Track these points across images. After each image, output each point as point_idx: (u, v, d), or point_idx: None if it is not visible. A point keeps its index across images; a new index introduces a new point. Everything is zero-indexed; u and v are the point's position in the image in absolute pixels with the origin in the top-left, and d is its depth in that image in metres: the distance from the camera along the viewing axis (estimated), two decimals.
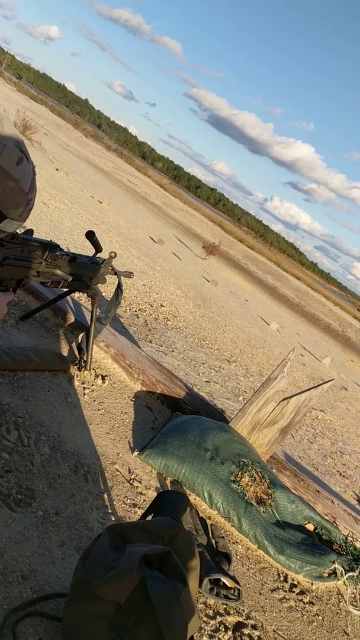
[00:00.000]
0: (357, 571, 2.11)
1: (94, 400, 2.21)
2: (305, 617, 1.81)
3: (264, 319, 12.72)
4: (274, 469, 2.51)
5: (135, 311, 5.62)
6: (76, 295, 3.20)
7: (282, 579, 1.93)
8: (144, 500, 1.82)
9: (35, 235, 1.52)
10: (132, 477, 1.91)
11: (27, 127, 12.80)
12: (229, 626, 1.54)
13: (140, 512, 1.75)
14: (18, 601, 1.19)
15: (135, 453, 2.04)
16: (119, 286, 2.33)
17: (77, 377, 2.27)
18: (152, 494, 1.88)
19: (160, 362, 3.29)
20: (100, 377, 2.39)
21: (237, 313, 10.62)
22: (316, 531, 2.26)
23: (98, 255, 2.08)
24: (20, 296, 2.58)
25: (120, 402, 2.35)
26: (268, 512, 2.11)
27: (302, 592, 1.92)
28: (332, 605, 1.97)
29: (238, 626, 1.56)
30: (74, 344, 2.49)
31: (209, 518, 2.00)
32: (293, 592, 1.90)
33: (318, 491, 2.63)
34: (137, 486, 1.88)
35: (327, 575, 2.03)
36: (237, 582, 1.67)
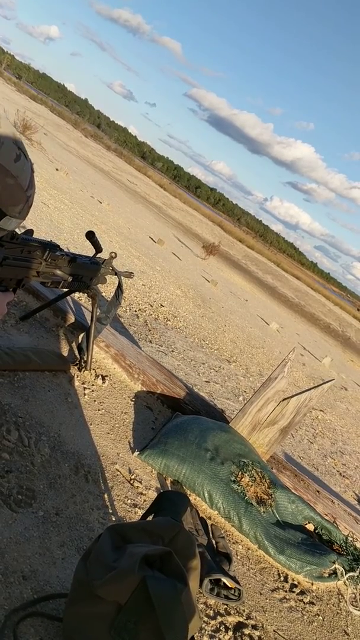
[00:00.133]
0: (358, 571, 2.11)
1: (94, 401, 2.21)
2: (305, 617, 1.81)
3: (264, 319, 12.72)
4: (274, 469, 2.51)
5: (135, 311, 5.62)
6: (76, 295, 3.20)
7: (282, 579, 1.93)
8: (145, 501, 1.82)
9: (35, 235, 1.52)
10: (133, 477, 1.91)
11: (27, 127, 12.79)
12: (230, 626, 1.54)
13: (140, 512, 1.75)
14: (19, 601, 1.19)
15: (136, 453, 2.04)
16: (119, 286, 2.33)
17: (78, 377, 2.27)
18: (153, 494, 1.88)
19: (160, 362, 3.29)
20: (100, 377, 2.39)
21: (237, 313, 10.62)
22: (316, 531, 2.26)
23: (98, 255, 2.08)
24: (20, 296, 2.58)
25: (120, 402, 2.35)
26: (268, 512, 2.11)
27: (302, 592, 1.92)
28: (333, 605, 1.97)
29: (238, 626, 1.56)
30: (74, 344, 2.49)
31: (210, 518, 2.00)
32: (293, 592, 1.90)
33: (318, 491, 2.63)
34: (137, 486, 1.88)
35: (327, 575, 2.03)
36: (237, 582, 1.67)
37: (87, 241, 1.97)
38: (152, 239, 12.04)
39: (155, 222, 17.37)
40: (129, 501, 1.77)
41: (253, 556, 1.95)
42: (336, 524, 2.41)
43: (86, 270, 1.99)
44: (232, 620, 1.57)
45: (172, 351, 5.23)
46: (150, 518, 1.38)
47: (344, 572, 2.06)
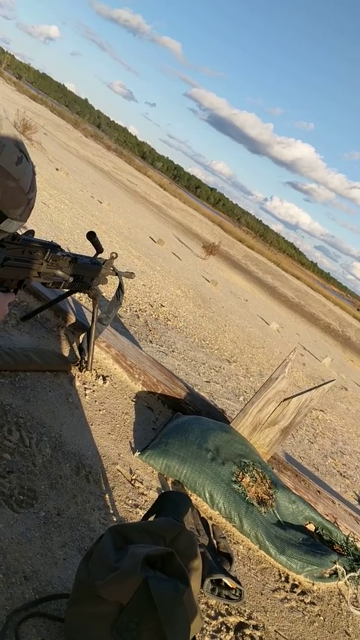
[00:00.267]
0: (358, 571, 2.11)
1: (95, 401, 2.22)
2: (306, 617, 1.81)
3: (264, 319, 12.72)
4: (275, 469, 2.51)
5: (136, 311, 5.62)
6: (77, 295, 3.20)
7: (283, 579, 1.93)
8: (146, 501, 1.83)
9: (35, 235, 1.52)
10: (134, 477, 1.91)
11: (27, 127, 12.79)
12: (231, 626, 1.54)
13: (141, 512, 1.75)
14: (20, 602, 1.19)
15: (137, 453, 2.04)
16: (120, 287, 2.33)
17: (78, 377, 2.27)
18: (154, 495, 1.88)
19: (161, 362, 3.29)
20: (101, 377, 2.39)
21: (237, 313, 10.62)
22: (317, 531, 2.26)
23: (99, 255, 2.08)
24: (21, 297, 2.58)
25: (121, 402, 2.35)
26: (269, 512, 2.11)
27: (303, 593, 1.92)
28: (333, 605, 1.97)
29: (240, 626, 1.56)
30: (75, 344, 2.49)
31: (211, 518, 2.00)
32: (294, 592, 1.90)
33: (319, 491, 2.63)
34: (138, 487, 1.88)
35: (328, 575, 2.03)
36: (238, 583, 1.67)
37: (88, 241, 1.97)
38: (152, 239, 12.04)
39: (156, 222, 17.37)
40: (130, 501, 1.77)
41: (254, 556, 1.95)
42: (337, 524, 2.41)
43: (87, 271, 1.99)
44: (233, 620, 1.57)
45: (173, 351, 5.23)
46: (151, 518, 1.38)
47: (344, 573, 2.06)
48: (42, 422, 1.83)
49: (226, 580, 1.64)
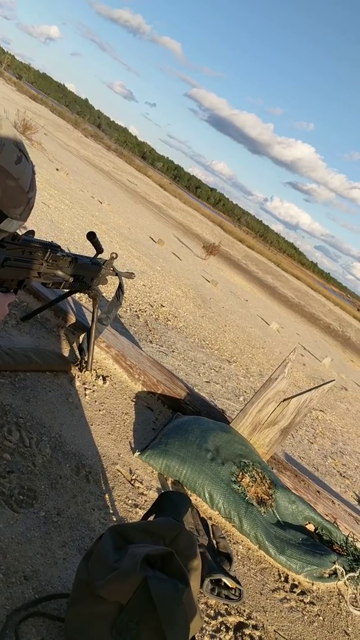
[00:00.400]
0: (358, 572, 2.11)
1: (95, 401, 2.22)
2: (306, 617, 1.81)
3: (264, 319, 12.72)
4: (275, 469, 2.51)
5: (136, 311, 5.63)
6: (77, 296, 3.20)
7: (282, 579, 1.93)
8: (145, 501, 1.83)
9: (35, 235, 1.52)
10: (134, 477, 1.91)
11: (27, 127, 12.79)
12: (230, 626, 1.54)
13: (141, 512, 1.75)
14: (20, 602, 1.20)
15: (137, 453, 2.05)
16: (120, 287, 2.34)
17: (78, 377, 2.27)
18: (154, 495, 1.88)
19: (161, 362, 3.29)
20: (101, 377, 2.40)
21: (237, 313, 10.62)
22: (317, 531, 2.26)
23: (99, 256, 2.08)
24: (21, 297, 2.58)
25: (121, 402, 2.35)
26: (269, 512, 2.11)
27: (302, 593, 1.92)
28: (333, 605, 1.98)
29: (239, 626, 1.56)
30: (75, 344, 2.50)
31: (210, 518, 2.00)
32: (294, 592, 1.90)
33: (318, 491, 2.63)
34: (138, 487, 1.88)
35: (327, 575, 2.03)
36: (238, 583, 1.68)
37: (88, 241, 1.98)
38: (152, 239, 12.04)
39: (156, 222, 17.37)
40: (130, 501, 1.78)
41: (253, 556, 1.95)
42: (336, 524, 2.41)
43: (87, 271, 1.99)
44: (232, 620, 1.57)
45: (173, 351, 5.23)
46: (151, 518, 1.38)
47: (344, 573, 2.06)
48: (42, 422, 1.83)
49: (226, 580, 1.64)
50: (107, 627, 1.08)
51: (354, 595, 2.08)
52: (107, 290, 4.80)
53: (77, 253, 1.94)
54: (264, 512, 2.08)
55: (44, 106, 38.07)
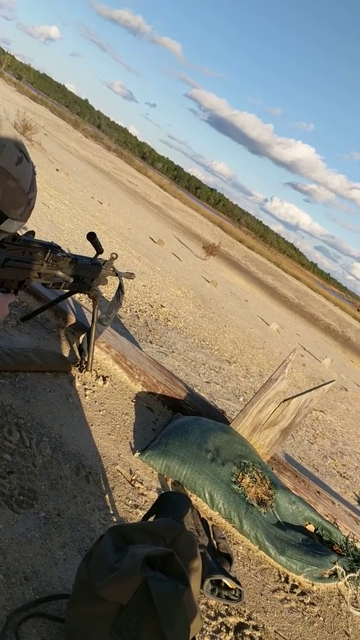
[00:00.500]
0: (358, 572, 2.11)
1: (95, 401, 2.22)
2: (306, 617, 1.81)
3: (264, 320, 12.72)
4: (275, 469, 2.51)
5: (136, 312, 5.63)
6: (77, 296, 3.21)
7: (283, 579, 1.93)
8: (146, 501, 1.83)
9: (35, 236, 1.52)
10: (134, 478, 1.91)
11: (27, 128, 12.80)
12: (231, 627, 1.54)
13: (141, 513, 1.75)
14: (21, 602, 1.20)
15: (137, 454, 2.05)
16: (120, 287, 2.34)
17: (79, 378, 2.27)
18: (154, 495, 1.88)
19: (161, 363, 3.29)
20: (101, 378, 2.40)
21: (237, 313, 10.62)
22: (317, 532, 2.26)
23: (99, 256, 2.08)
24: (21, 297, 2.58)
25: (121, 403, 2.35)
26: (269, 513, 2.11)
27: (303, 593, 1.92)
28: (333, 606, 1.97)
29: (239, 627, 1.56)
30: (75, 344, 2.50)
31: (210, 519, 2.00)
32: (294, 593, 1.90)
33: (319, 492, 2.63)
34: (138, 487, 1.88)
35: (327, 576, 2.03)
36: (238, 583, 1.68)
37: (88, 242, 1.98)
38: (152, 239, 12.05)
39: (156, 222, 17.38)
40: (130, 502, 1.78)
41: (254, 557, 1.95)
42: (337, 524, 2.41)
43: (87, 271, 2.00)
44: (233, 621, 1.57)
45: (173, 352, 5.23)
46: (151, 519, 1.38)
47: (344, 573, 2.06)
48: (42, 423, 1.83)
49: (226, 580, 1.64)
50: (108, 628, 1.08)
51: (354, 596, 2.08)
52: (107, 290, 4.80)
53: (77, 253, 1.94)
54: (264, 513, 2.08)
55: (44, 106, 38.08)
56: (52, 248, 1.60)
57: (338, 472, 5.32)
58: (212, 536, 1.89)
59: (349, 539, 2.26)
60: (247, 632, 1.56)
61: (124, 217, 12.28)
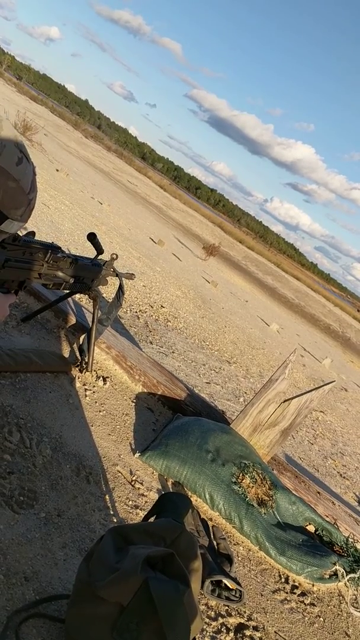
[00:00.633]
0: (358, 573, 2.11)
1: (95, 402, 2.22)
2: (306, 618, 1.81)
3: (264, 320, 12.72)
4: (275, 470, 2.51)
5: (136, 312, 5.63)
6: (77, 297, 3.21)
7: (283, 580, 1.93)
8: (146, 502, 1.83)
9: (36, 236, 1.52)
10: (134, 478, 1.91)
11: (28, 128, 12.80)
12: (231, 627, 1.54)
13: (142, 513, 1.75)
14: (21, 603, 1.19)
15: (137, 454, 2.05)
16: (120, 288, 2.34)
17: (79, 378, 2.27)
18: (154, 496, 1.88)
19: (161, 363, 3.30)
20: (101, 378, 2.40)
21: (237, 314, 10.62)
22: (317, 532, 2.26)
23: (99, 256, 2.08)
24: (21, 298, 2.58)
25: (121, 403, 2.35)
26: (269, 513, 2.11)
27: (303, 594, 1.92)
28: (333, 606, 1.97)
29: (240, 627, 1.56)
30: (75, 345, 2.50)
31: (211, 519, 2.00)
32: (294, 593, 1.90)
33: (319, 492, 2.63)
34: (138, 488, 1.88)
35: (328, 576, 2.03)
36: (238, 584, 1.68)
37: (88, 242, 1.98)
38: (152, 240, 12.05)
39: (156, 223, 17.38)
40: (130, 502, 1.77)
41: (254, 557, 1.95)
42: (337, 525, 2.41)
43: (87, 272, 2.00)
44: (233, 621, 1.57)
45: (173, 352, 5.23)
46: (152, 519, 1.38)
47: (344, 574, 2.06)
48: (42, 423, 1.83)
49: (226, 581, 1.64)
50: (108, 628, 1.08)
51: (354, 597, 2.08)
52: (108, 291, 4.80)
53: (78, 254, 1.94)
54: (265, 513, 2.07)
55: (44, 107, 38.09)
56: (53, 248, 1.60)
57: (338, 472, 5.32)
58: (212, 537, 1.89)
59: (349, 539, 2.26)
60: (248, 632, 1.56)
61: (124, 218, 12.28)
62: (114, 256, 2.17)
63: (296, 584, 1.95)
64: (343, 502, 3.52)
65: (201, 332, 6.91)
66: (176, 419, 2.41)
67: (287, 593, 1.87)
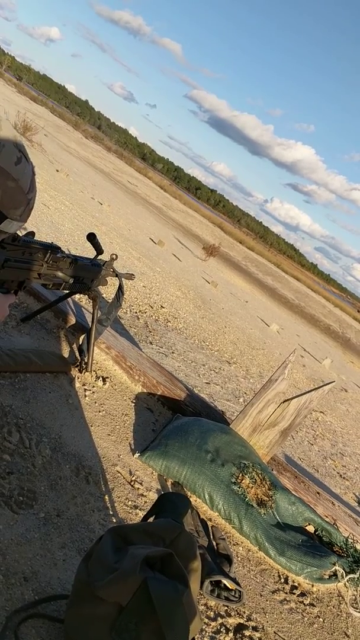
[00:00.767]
0: (358, 573, 2.11)
1: (95, 402, 2.22)
2: (305, 618, 1.81)
3: (264, 320, 12.72)
4: (275, 470, 2.51)
5: (136, 313, 5.62)
6: (77, 297, 3.21)
7: (282, 580, 1.93)
8: (145, 502, 1.83)
9: (35, 236, 1.53)
10: (133, 478, 1.91)
11: (28, 129, 12.80)
12: (230, 628, 1.54)
13: (141, 513, 1.75)
14: (20, 603, 1.19)
15: (136, 455, 2.05)
16: (120, 288, 2.34)
17: (78, 378, 2.27)
18: (153, 496, 1.88)
19: (161, 363, 3.29)
20: (101, 378, 2.40)
21: (237, 314, 10.62)
22: (317, 533, 2.26)
23: (99, 257, 2.08)
24: (21, 298, 2.58)
25: (121, 403, 2.35)
26: (269, 513, 2.11)
27: (302, 594, 1.92)
28: (333, 607, 1.97)
29: (239, 628, 1.56)
30: (75, 345, 2.50)
31: (210, 520, 2.00)
32: (294, 593, 1.90)
33: (318, 493, 2.63)
34: (138, 488, 1.88)
35: (327, 577, 2.03)
36: (238, 584, 1.68)
37: (88, 243, 1.98)
38: (152, 240, 12.05)
39: (156, 223, 17.38)
40: (129, 503, 1.77)
41: (253, 558, 1.95)
42: (336, 525, 2.41)
43: (87, 272, 2.00)
44: (232, 621, 1.57)
45: (173, 352, 5.23)
46: (151, 520, 1.38)
47: (344, 574, 2.06)
48: (42, 424, 1.83)
49: (225, 581, 1.64)
50: (107, 628, 1.08)
51: (354, 597, 2.08)
52: (107, 291, 4.80)
53: (77, 254, 1.94)
54: (264, 514, 2.07)
55: (44, 107, 38.10)
56: (52, 249, 1.60)
57: (338, 473, 5.32)
58: (211, 537, 1.89)
59: (349, 540, 2.26)
60: (247, 633, 1.56)
61: (124, 218, 12.28)
62: (114, 256, 2.17)
63: (296, 584, 1.95)
64: (343, 503, 3.52)
65: (201, 333, 6.91)
66: (176, 419, 2.41)
67: (286, 593, 1.87)
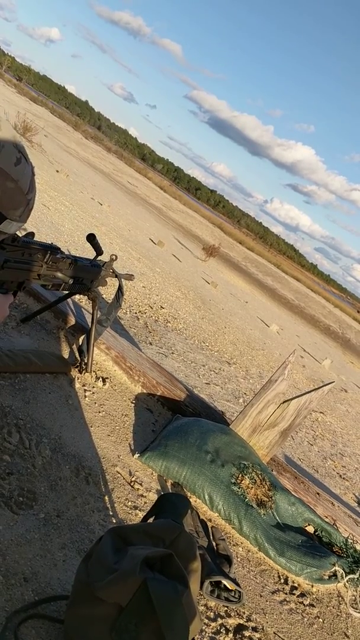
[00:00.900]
0: (358, 573, 2.11)
1: (95, 403, 2.22)
2: (305, 619, 1.81)
3: (264, 321, 12.72)
4: (275, 471, 2.51)
5: (136, 313, 5.63)
6: (77, 297, 3.21)
7: (282, 581, 1.93)
8: (145, 503, 1.83)
9: (35, 237, 1.53)
10: (133, 479, 1.91)
11: (28, 129, 12.80)
12: (230, 628, 1.54)
13: (141, 514, 1.75)
14: (20, 603, 1.20)
15: (136, 455, 2.05)
16: (120, 288, 2.34)
17: (78, 379, 2.27)
18: (153, 496, 1.88)
19: (161, 364, 3.30)
20: (101, 379, 2.40)
21: (237, 315, 10.62)
22: (316, 533, 2.26)
23: (99, 257, 2.08)
24: (21, 299, 2.58)
25: (120, 404, 2.35)
26: (268, 514, 2.11)
27: (302, 595, 1.92)
28: (333, 607, 1.97)
29: (239, 628, 1.56)
30: (74, 346, 2.50)
31: (210, 520, 2.00)
32: (293, 594, 1.90)
33: (318, 493, 2.63)
34: (138, 488, 1.88)
35: (327, 577, 2.03)
36: (237, 585, 1.68)
37: (88, 243, 1.98)
38: (152, 240, 12.05)
39: (156, 223, 17.38)
40: (129, 503, 1.78)
41: (253, 558, 1.95)
42: (336, 526, 2.41)
43: (87, 273, 2.00)
44: (232, 622, 1.57)
45: (172, 353, 5.23)
46: (151, 520, 1.38)
47: (344, 575, 2.06)
48: (41, 424, 1.83)
49: (225, 582, 1.64)
50: (107, 629, 1.08)
51: (353, 597, 2.08)
52: (107, 291, 4.80)
53: (77, 255, 1.95)
54: (264, 514, 2.07)
55: (44, 108, 38.10)
56: (52, 249, 1.60)
57: (338, 473, 5.32)
58: (211, 537, 1.89)
59: (349, 540, 2.26)
60: (247, 633, 1.56)
61: (124, 219, 12.28)
62: (114, 257, 2.17)
63: (295, 584, 1.95)
64: (342, 503, 3.52)
65: (201, 333, 6.91)
66: (175, 420, 2.41)
67: (286, 594, 1.87)
